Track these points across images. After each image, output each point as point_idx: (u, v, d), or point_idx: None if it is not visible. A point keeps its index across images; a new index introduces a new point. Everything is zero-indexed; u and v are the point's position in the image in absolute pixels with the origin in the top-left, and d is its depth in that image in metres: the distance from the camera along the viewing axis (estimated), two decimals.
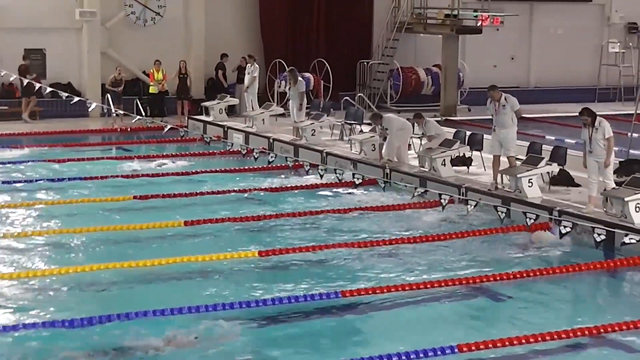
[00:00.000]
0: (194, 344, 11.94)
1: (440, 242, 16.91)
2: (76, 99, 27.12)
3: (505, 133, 19.95)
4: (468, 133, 23.07)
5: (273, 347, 11.99)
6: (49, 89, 28.60)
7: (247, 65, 30.43)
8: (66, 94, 27.32)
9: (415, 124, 22.84)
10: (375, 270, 15.30)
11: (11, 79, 29.19)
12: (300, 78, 27.15)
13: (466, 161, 22.00)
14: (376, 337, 12.52)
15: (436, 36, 34.73)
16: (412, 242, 16.81)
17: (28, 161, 23.88)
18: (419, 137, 23.55)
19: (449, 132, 22.88)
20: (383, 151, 22.72)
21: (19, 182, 21.44)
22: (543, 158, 19.52)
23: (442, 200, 17.94)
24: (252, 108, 29.29)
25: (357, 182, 20.57)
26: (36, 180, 21.57)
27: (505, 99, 19.99)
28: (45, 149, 25.87)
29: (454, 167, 21.38)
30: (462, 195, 19.42)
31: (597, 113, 18.25)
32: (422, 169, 21.74)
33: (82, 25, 32.17)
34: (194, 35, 33.64)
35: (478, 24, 33.48)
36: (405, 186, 19.95)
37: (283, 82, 30.91)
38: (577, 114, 18.50)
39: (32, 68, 31.51)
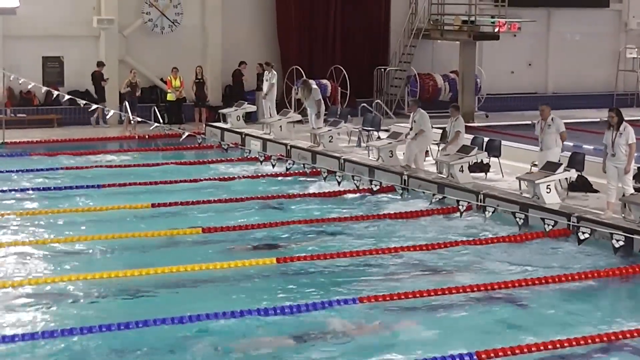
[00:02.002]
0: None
1: (459, 247, 16.87)
2: (94, 106, 27.27)
3: (549, 153, 19.76)
4: (486, 139, 23.06)
5: (292, 353, 11.99)
6: (66, 97, 28.68)
7: (265, 72, 30.46)
8: (84, 102, 27.44)
9: (450, 116, 22.75)
10: (392, 276, 15.29)
11: (29, 86, 29.26)
12: (314, 86, 27.18)
13: (484, 167, 21.98)
14: (395, 344, 12.45)
15: (453, 42, 34.71)
16: (429, 249, 16.75)
17: (46, 169, 23.96)
18: (437, 144, 23.55)
19: (466, 138, 22.84)
20: (402, 156, 22.75)
21: (38, 189, 21.51)
22: (561, 164, 19.45)
23: (460, 207, 17.92)
24: (270, 115, 29.30)
25: (374, 189, 20.56)
26: (54, 188, 21.63)
27: (552, 119, 19.88)
28: (63, 156, 25.92)
29: (472, 174, 21.36)
30: (480, 202, 19.39)
31: None
32: (440, 175, 21.72)
33: (99, 32, 32.27)
34: (211, 43, 33.70)
35: (495, 30, 33.44)
36: (424, 193, 19.93)
37: (300, 90, 30.95)
38: (606, 115, 18.45)
39: (49, 76, 31.70)
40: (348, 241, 17.43)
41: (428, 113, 22.98)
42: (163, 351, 12.01)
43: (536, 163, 20.34)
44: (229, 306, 13.30)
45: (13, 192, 21.17)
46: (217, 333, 12.55)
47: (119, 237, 17.27)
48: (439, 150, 23.28)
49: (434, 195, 19.16)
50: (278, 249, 16.86)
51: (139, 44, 33.15)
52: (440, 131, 23.86)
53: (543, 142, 19.95)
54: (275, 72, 30.31)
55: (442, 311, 13.71)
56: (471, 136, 23.59)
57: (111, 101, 31.31)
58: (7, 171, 23.58)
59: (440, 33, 34.88)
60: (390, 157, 23.07)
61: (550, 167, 19.30)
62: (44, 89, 28.83)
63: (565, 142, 20.24)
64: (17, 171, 23.61)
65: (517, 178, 20.06)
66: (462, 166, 21.05)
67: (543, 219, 17.20)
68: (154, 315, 12.77)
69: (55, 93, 28.48)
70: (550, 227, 17.10)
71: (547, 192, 18.77)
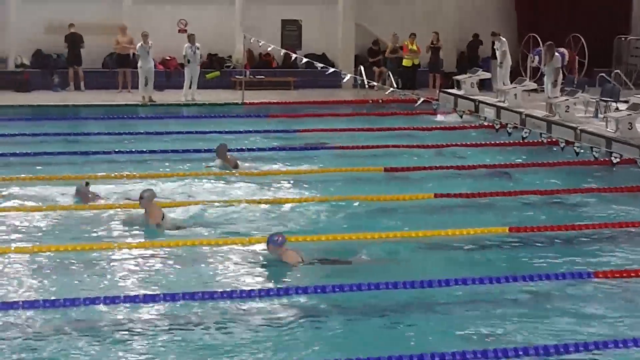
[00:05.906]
0: None
1: None
2: (330, 69, 27.65)
3: None
4: None
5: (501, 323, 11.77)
6: (304, 60, 29.20)
7: (494, 41, 30.09)
8: (321, 65, 27.87)
9: None
10: (630, 251, 14.78)
11: (268, 49, 29.97)
12: (556, 53, 26.60)
13: None
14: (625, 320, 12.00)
15: None
16: None
17: (281, 130, 24.52)
18: None
19: None
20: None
21: (273, 149, 22.06)
22: None
23: None
24: (504, 83, 28.93)
25: (614, 161, 19.97)
26: (289, 149, 22.10)
27: None
28: (298, 118, 26.45)
29: None
30: None
31: None
32: None
33: None
34: (446, 9, 33.53)
35: None
36: None
37: (536, 57, 30.37)
38: None
39: (287, 39, 32.38)
40: (582, 213, 16.97)
41: None
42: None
43: None
44: (456, 273, 13.24)
45: (250, 152, 21.77)
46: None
47: (348, 198, 17.42)
48: None
49: None
50: (509, 218, 16.57)
51: (374, 8, 33.33)
52: None
53: None
54: (504, 40, 29.81)
55: None
56: None
57: (346, 65, 31.64)
58: (245, 131, 24.28)
59: None
60: (630, 129, 22.28)
61: None
62: (282, 51, 29.43)
63: None
64: (254, 131, 24.27)
65: None
66: None
67: None
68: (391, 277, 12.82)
69: (293, 56, 29.05)
70: None
71: None
